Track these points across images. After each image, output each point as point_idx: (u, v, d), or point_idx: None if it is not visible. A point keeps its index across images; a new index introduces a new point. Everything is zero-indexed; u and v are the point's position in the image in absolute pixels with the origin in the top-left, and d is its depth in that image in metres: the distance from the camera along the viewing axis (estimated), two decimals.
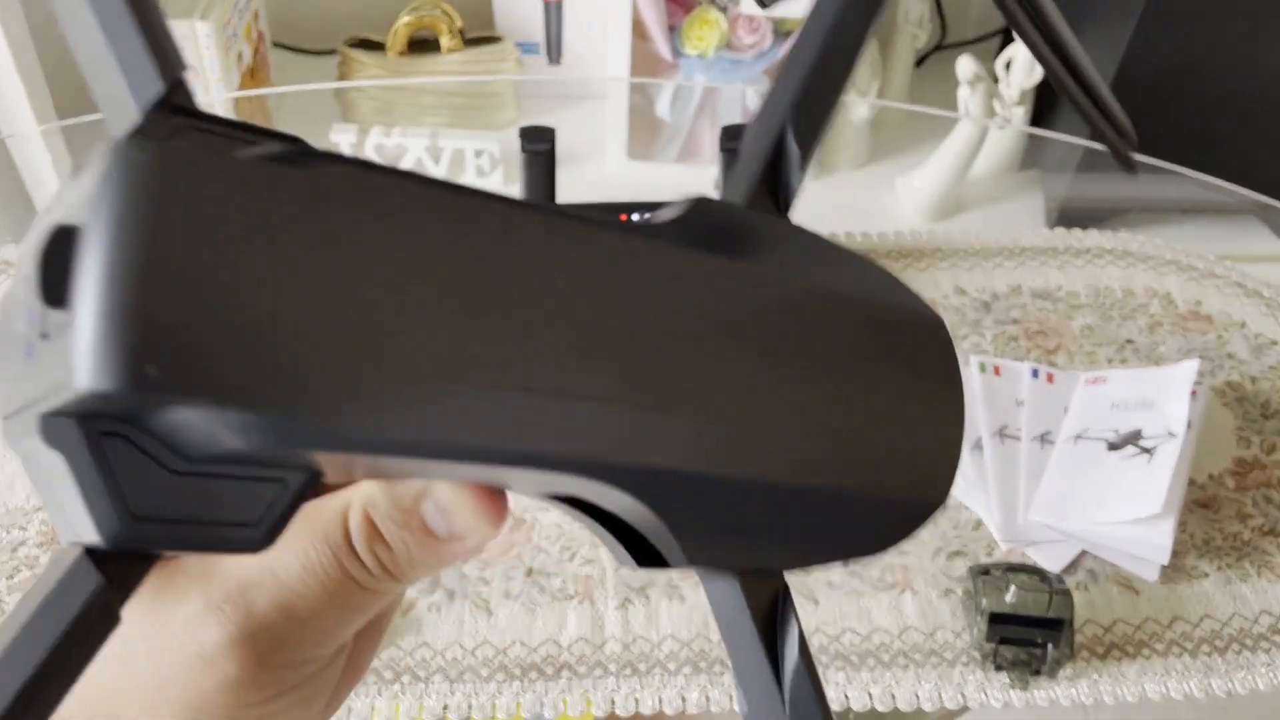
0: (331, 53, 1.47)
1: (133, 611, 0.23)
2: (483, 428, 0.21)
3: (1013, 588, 0.76)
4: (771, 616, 0.27)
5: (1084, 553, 0.81)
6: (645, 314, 0.24)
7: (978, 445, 0.86)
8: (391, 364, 0.20)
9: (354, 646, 0.31)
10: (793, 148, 0.29)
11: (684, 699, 0.74)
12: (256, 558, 0.24)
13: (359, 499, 0.26)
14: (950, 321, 0.97)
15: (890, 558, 0.81)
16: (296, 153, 0.20)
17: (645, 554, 0.27)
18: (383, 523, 0.25)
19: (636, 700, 0.73)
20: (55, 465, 0.19)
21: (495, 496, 0.25)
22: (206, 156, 0.19)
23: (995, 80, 1.26)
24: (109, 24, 0.19)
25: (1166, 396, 0.84)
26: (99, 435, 0.19)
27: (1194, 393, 0.83)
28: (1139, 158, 1.05)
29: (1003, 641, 0.75)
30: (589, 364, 0.23)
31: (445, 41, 1.40)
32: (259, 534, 0.21)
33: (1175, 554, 0.78)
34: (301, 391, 0.19)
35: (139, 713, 0.25)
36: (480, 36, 1.42)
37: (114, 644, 0.23)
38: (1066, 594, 0.75)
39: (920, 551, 0.82)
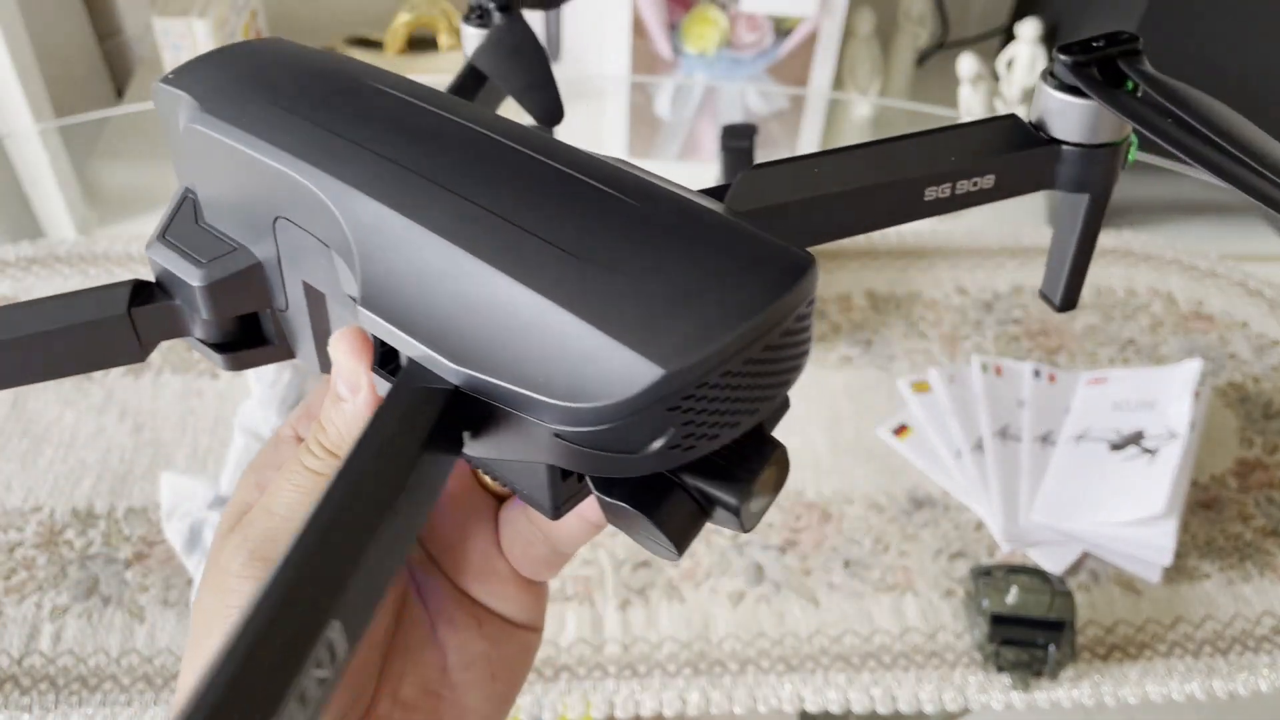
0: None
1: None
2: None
3: (1014, 589, 0.76)
4: (419, 419, 0.26)
5: (1086, 554, 0.81)
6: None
7: (979, 446, 0.86)
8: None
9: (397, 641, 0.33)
10: None
11: (684, 701, 0.74)
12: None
13: None
14: (952, 322, 0.97)
15: (892, 559, 0.82)
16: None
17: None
18: (320, 410, 0.31)
19: (636, 702, 0.73)
20: None
21: (360, 341, 0.29)
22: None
23: (996, 79, 1.26)
24: None
25: (1169, 397, 0.84)
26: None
27: (1196, 393, 0.83)
28: (1141, 156, 1.05)
29: (1004, 643, 0.75)
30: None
31: (444, 40, 1.41)
32: (200, 268, 0.32)
33: (1177, 555, 0.79)
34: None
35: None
36: None
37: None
38: (1068, 595, 0.75)
39: (921, 553, 0.82)
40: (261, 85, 0.32)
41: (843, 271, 1.01)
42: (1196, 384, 0.83)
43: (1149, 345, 0.96)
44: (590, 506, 0.31)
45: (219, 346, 0.35)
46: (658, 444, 0.25)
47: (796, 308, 0.26)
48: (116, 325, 0.32)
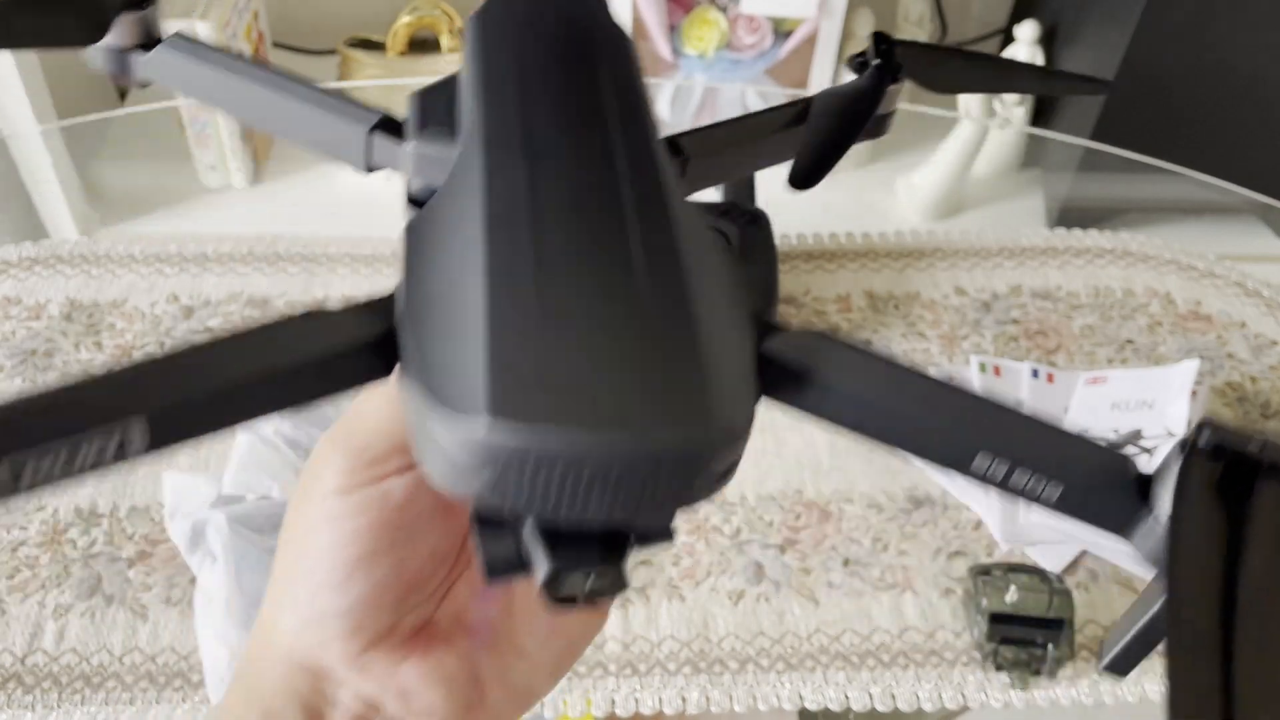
0: (331, 53, 1.46)
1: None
2: None
3: (1013, 588, 0.76)
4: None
5: (1084, 552, 0.80)
6: None
7: None
8: None
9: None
10: None
11: (684, 699, 0.74)
12: None
13: None
14: (950, 322, 0.97)
15: (891, 558, 0.81)
16: None
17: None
18: None
19: (636, 700, 0.73)
20: None
21: None
22: None
23: None
24: None
25: (1167, 397, 0.83)
26: None
27: (1194, 393, 0.83)
28: (1138, 157, 1.05)
29: (1003, 641, 0.75)
30: None
31: (445, 41, 1.40)
32: None
33: None
34: None
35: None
36: None
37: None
38: (1067, 594, 0.75)
39: (920, 552, 0.82)
40: None
41: (842, 272, 1.01)
42: (1194, 384, 0.83)
43: (1147, 345, 0.96)
44: None
45: None
46: (476, 475, 0.24)
47: (650, 457, 0.24)
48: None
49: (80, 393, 0.25)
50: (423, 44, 1.42)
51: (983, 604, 0.76)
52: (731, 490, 0.86)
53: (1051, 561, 0.80)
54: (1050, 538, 0.81)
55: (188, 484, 0.79)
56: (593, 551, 0.27)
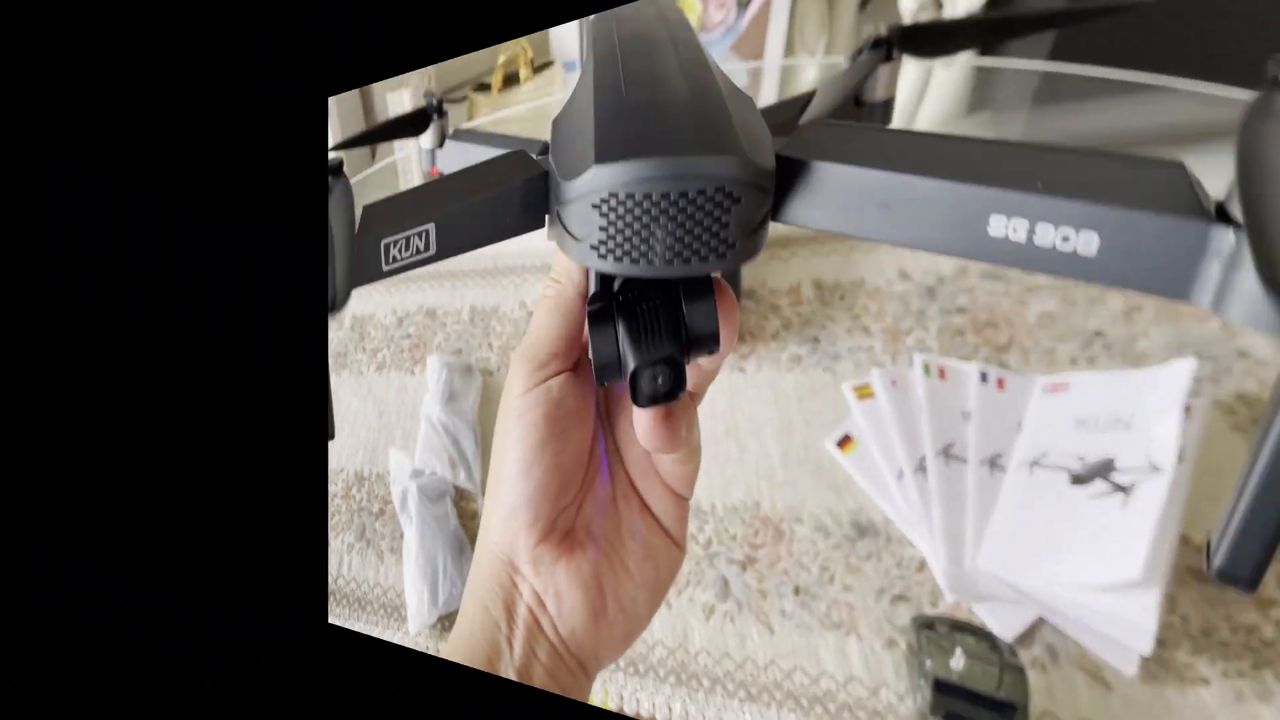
0: (464, 99, 1.16)
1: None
2: None
3: (959, 651, 0.39)
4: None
5: (1041, 620, 0.40)
6: None
7: (921, 467, 0.45)
8: None
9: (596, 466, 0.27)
10: None
11: (670, 708, 0.47)
12: None
13: None
14: (894, 313, 0.53)
15: (836, 592, 0.46)
16: None
17: None
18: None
19: (638, 700, 0.48)
20: None
21: None
22: None
23: (940, 7, 0.69)
24: None
25: (1149, 412, 0.38)
26: None
27: (1188, 407, 0.37)
28: (1117, 74, 0.52)
29: (948, 716, 0.39)
30: None
31: (523, 73, 1.06)
32: None
33: (1161, 643, 0.36)
34: None
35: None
36: (543, 63, 1.06)
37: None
38: (1020, 672, 0.37)
39: (864, 589, 0.45)
40: None
41: (795, 260, 0.59)
42: (1188, 394, 0.37)
43: (1123, 339, 0.46)
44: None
45: None
46: (589, 238, 0.20)
47: (699, 177, 0.19)
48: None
49: (407, 201, 0.22)
50: (510, 79, 1.07)
51: (926, 665, 0.40)
52: (702, 498, 0.54)
53: (1003, 625, 0.40)
54: (1001, 594, 0.41)
55: (399, 458, 0.67)
56: (662, 349, 0.21)
